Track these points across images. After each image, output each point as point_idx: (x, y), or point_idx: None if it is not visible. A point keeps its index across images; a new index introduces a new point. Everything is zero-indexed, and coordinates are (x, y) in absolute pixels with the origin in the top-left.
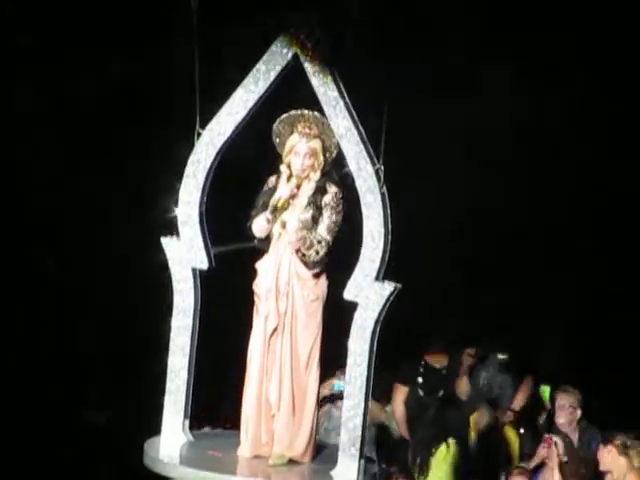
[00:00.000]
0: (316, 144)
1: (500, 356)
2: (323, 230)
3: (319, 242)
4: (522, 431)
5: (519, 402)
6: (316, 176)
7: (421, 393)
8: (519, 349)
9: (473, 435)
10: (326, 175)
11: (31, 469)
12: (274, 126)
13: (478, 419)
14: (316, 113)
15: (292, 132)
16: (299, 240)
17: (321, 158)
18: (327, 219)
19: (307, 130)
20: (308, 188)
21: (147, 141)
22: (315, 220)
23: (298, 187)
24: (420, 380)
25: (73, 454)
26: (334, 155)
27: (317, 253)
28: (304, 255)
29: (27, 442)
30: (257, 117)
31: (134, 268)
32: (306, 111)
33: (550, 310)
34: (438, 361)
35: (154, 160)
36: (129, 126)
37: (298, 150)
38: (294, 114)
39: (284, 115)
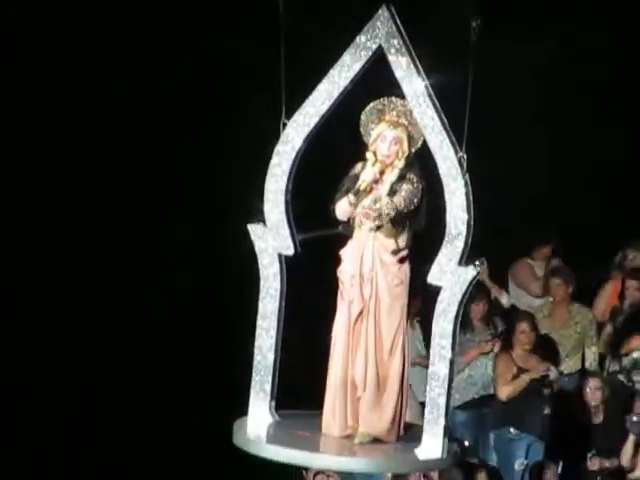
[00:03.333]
0: (402, 133)
1: None
2: (395, 199)
3: (388, 208)
4: None
5: None
6: (400, 164)
7: None
8: None
9: None
10: (409, 166)
11: (122, 449)
12: (362, 114)
13: None
14: (405, 102)
15: (380, 120)
16: (371, 210)
17: (405, 146)
18: (403, 192)
19: (395, 118)
20: (391, 175)
21: (235, 131)
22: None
23: (382, 173)
24: None
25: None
26: (419, 146)
27: (387, 215)
28: (373, 216)
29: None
30: (342, 107)
31: (223, 255)
32: (395, 99)
33: None
34: None
35: (242, 150)
36: (216, 117)
37: (385, 136)
38: (383, 102)
39: (373, 103)
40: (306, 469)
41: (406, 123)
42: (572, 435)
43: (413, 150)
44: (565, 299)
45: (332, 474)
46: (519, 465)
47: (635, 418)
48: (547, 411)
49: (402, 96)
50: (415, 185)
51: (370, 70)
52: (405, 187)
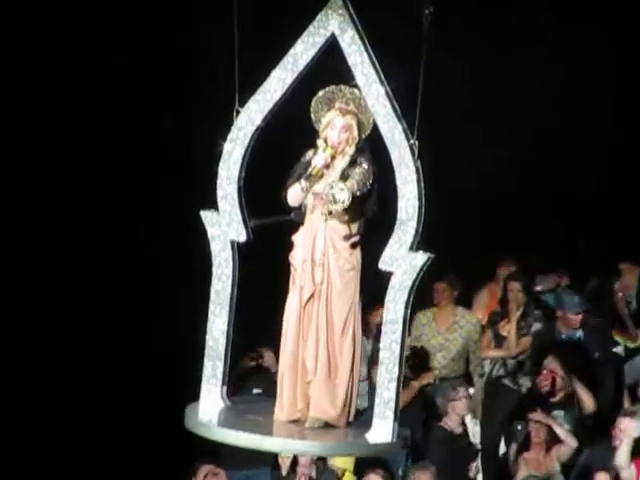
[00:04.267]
0: (352, 120)
1: None
2: (348, 183)
3: (342, 194)
4: None
5: None
6: (350, 150)
7: None
8: None
9: None
10: (360, 151)
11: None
12: (313, 101)
13: None
14: (354, 90)
15: (330, 108)
16: (323, 196)
17: (355, 133)
18: (355, 176)
19: (344, 106)
20: (342, 162)
21: (188, 120)
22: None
23: (332, 159)
24: None
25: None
26: (368, 132)
27: (342, 201)
28: (329, 203)
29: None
30: (294, 94)
31: (175, 241)
32: (344, 87)
33: None
34: None
35: (195, 138)
36: (171, 106)
37: (335, 124)
38: (333, 90)
39: (323, 91)
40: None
41: (356, 110)
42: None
43: (363, 136)
44: (449, 303)
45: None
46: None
47: (520, 427)
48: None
49: (354, 84)
50: (367, 169)
51: (323, 57)
52: (357, 171)
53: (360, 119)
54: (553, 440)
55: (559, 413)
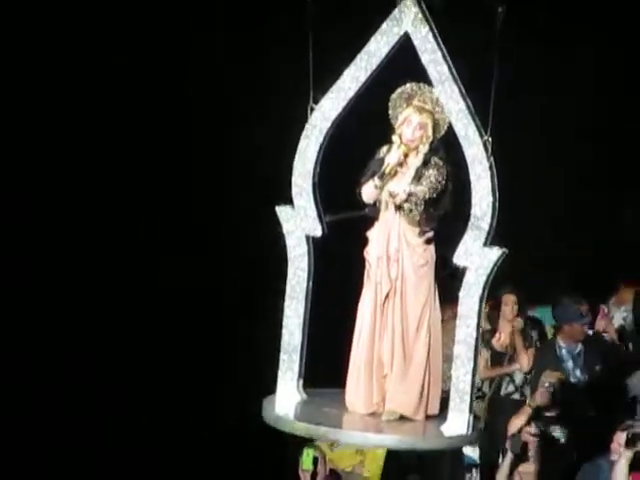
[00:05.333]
0: (428, 118)
1: None
2: (419, 188)
3: (416, 199)
4: None
5: None
6: (424, 149)
7: None
8: None
9: None
10: (434, 151)
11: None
12: (391, 97)
13: None
14: (433, 89)
15: (408, 105)
16: (398, 194)
17: (430, 132)
18: (425, 180)
19: (421, 104)
20: (416, 160)
21: (264, 115)
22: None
23: (405, 156)
24: None
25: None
26: (443, 132)
27: (411, 212)
28: (402, 210)
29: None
30: (369, 92)
31: (251, 238)
32: (424, 86)
33: None
34: None
35: (271, 133)
36: (246, 102)
37: (410, 121)
38: (412, 87)
39: (402, 87)
40: None
41: (432, 109)
42: None
43: (438, 136)
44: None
45: None
46: None
47: (515, 438)
48: None
49: (429, 83)
50: (440, 171)
51: (397, 56)
52: (429, 173)
53: (436, 119)
54: (549, 454)
55: (555, 427)
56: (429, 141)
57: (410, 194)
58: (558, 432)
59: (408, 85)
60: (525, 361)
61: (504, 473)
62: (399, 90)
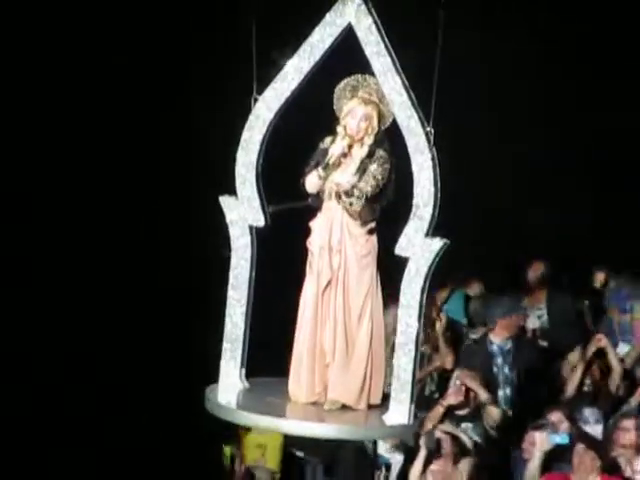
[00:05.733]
0: (373, 110)
1: None
2: (363, 184)
3: (358, 193)
4: None
5: None
6: (369, 140)
7: None
8: None
9: None
10: (379, 142)
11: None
12: (336, 88)
13: None
14: (376, 80)
15: (352, 96)
16: (342, 185)
17: (375, 123)
18: (370, 175)
19: (367, 96)
20: (360, 151)
21: (207, 107)
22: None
23: (350, 147)
24: None
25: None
26: (387, 124)
27: (351, 205)
28: (342, 200)
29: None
30: (311, 83)
31: (194, 227)
32: (369, 77)
33: None
34: None
35: (214, 126)
36: (190, 93)
37: (355, 112)
38: (357, 79)
39: (347, 79)
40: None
41: (377, 101)
42: None
43: (383, 128)
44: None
45: None
46: None
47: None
48: None
49: (373, 74)
50: (384, 166)
51: (339, 47)
52: (373, 168)
53: (381, 110)
54: (461, 452)
55: (467, 425)
56: (374, 132)
57: (353, 186)
58: (471, 431)
59: (353, 77)
60: (449, 359)
61: (417, 469)
62: (344, 81)
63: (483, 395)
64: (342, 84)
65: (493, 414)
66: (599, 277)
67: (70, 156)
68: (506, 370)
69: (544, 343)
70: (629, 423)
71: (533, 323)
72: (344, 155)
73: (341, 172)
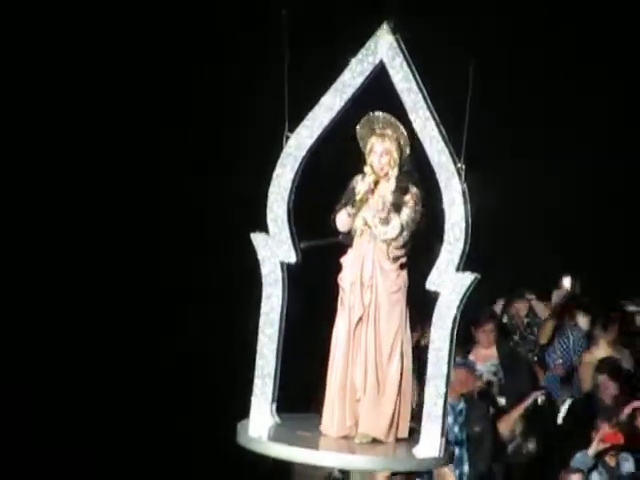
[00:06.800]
0: (391, 144)
1: None
2: (400, 221)
3: (394, 226)
4: None
5: None
6: (394, 173)
7: None
8: None
9: None
10: (407, 176)
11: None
12: (357, 129)
13: None
14: (386, 115)
15: (371, 134)
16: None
17: (396, 156)
18: (404, 214)
19: (382, 131)
20: (388, 186)
21: (241, 143)
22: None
23: (376, 184)
24: None
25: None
26: (407, 153)
27: (391, 237)
28: (379, 228)
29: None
30: (344, 120)
31: (226, 264)
32: (378, 113)
33: None
34: None
35: (248, 161)
36: (223, 128)
37: (376, 150)
38: (370, 117)
39: (364, 117)
40: None
41: (391, 133)
42: None
43: (404, 156)
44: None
45: None
46: None
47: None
48: None
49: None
50: (415, 208)
51: (372, 84)
52: (408, 206)
53: (398, 141)
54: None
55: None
56: (397, 165)
57: (402, 227)
58: None
59: (366, 115)
60: None
61: None
62: (362, 120)
63: None
64: (360, 123)
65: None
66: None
67: (86, 168)
68: (456, 430)
69: (502, 399)
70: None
71: (488, 378)
72: (372, 192)
73: (370, 209)
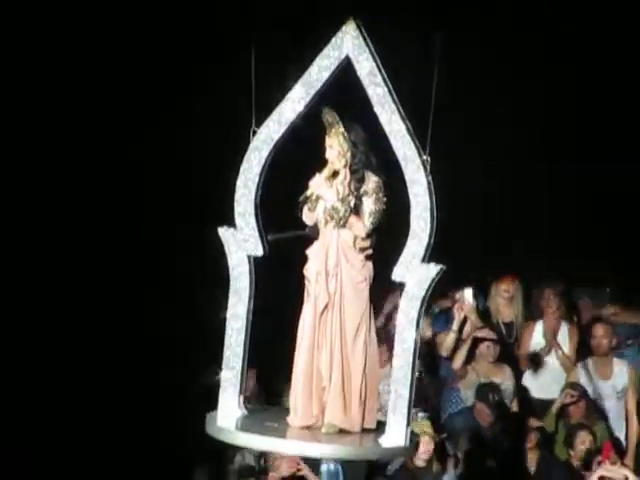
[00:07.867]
0: (334, 136)
1: None
2: (366, 220)
3: (361, 233)
4: None
5: None
6: (341, 164)
7: None
8: None
9: None
10: (364, 164)
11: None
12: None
13: None
14: (329, 110)
15: (324, 129)
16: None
17: (343, 146)
18: (367, 208)
19: (327, 125)
20: (341, 175)
21: (207, 138)
22: (357, 209)
23: (334, 175)
24: None
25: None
26: (357, 145)
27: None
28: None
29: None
30: (309, 115)
31: (194, 258)
32: (324, 109)
33: None
34: None
35: (213, 157)
36: (190, 123)
37: (327, 144)
38: (322, 113)
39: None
40: None
41: (336, 126)
42: None
43: (353, 149)
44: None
45: None
46: None
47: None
48: None
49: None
50: (378, 196)
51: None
52: (366, 202)
53: (339, 131)
54: None
55: None
56: (344, 155)
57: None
58: None
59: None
60: None
61: None
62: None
63: None
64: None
65: None
66: None
67: (77, 170)
68: None
69: None
70: None
71: None
72: (330, 183)
73: (326, 200)
